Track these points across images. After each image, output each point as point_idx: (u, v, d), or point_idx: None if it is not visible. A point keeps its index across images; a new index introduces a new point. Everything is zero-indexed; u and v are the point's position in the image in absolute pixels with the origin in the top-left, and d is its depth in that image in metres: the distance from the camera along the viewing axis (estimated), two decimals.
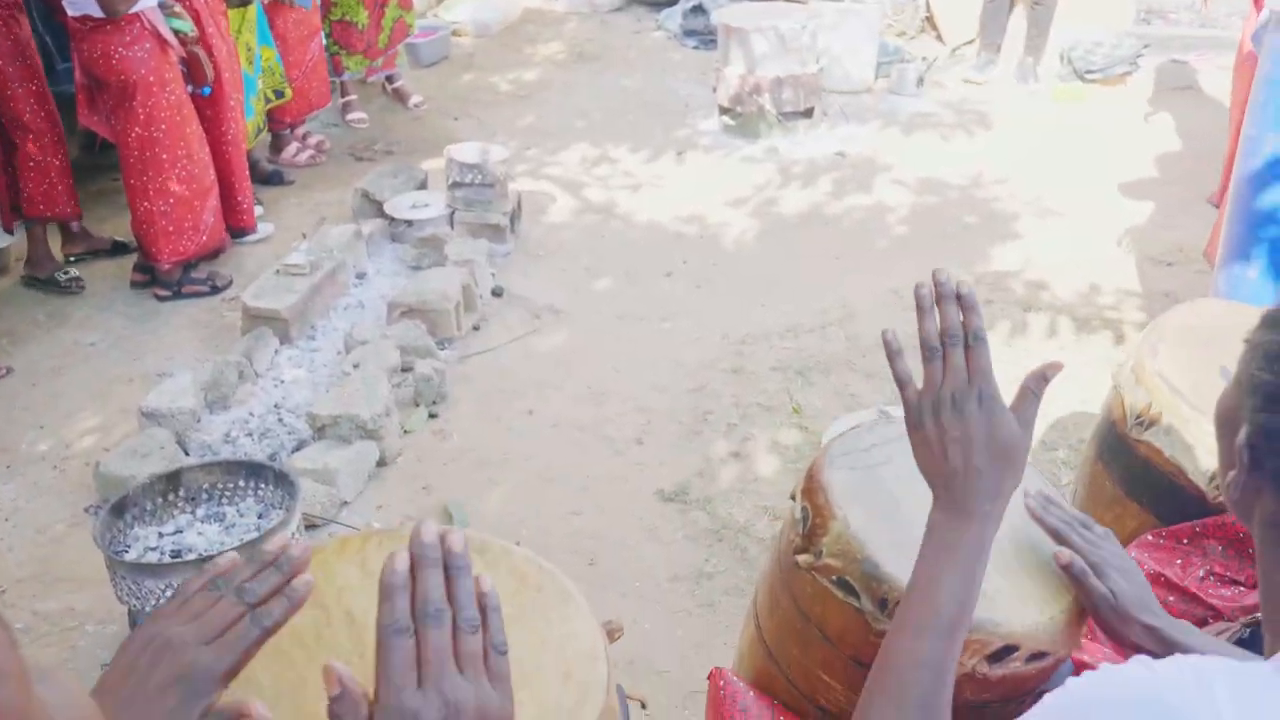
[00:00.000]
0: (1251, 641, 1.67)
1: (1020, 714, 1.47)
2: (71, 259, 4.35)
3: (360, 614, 1.19)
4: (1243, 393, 0.91)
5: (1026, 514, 1.45)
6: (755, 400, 3.58)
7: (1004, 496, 1.11)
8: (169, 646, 0.94)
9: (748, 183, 5.29)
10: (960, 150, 5.69)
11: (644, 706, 1.34)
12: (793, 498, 1.53)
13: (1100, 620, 1.34)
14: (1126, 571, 1.35)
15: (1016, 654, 1.33)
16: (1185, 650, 1.25)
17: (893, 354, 1.18)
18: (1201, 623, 1.74)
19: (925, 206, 5.09)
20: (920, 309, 1.15)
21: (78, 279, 4.20)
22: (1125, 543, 1.87)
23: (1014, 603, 1.34)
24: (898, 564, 1.32)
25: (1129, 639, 1.31)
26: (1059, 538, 1.38)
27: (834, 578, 1.39)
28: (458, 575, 0.86)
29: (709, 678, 1.63)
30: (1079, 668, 1.53)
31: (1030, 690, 1.44)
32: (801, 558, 1.43)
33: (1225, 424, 0.96)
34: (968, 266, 4.49)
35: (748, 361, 3.79)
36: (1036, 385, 1.16)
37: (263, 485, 2.72)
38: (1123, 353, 3.83)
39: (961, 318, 1.13)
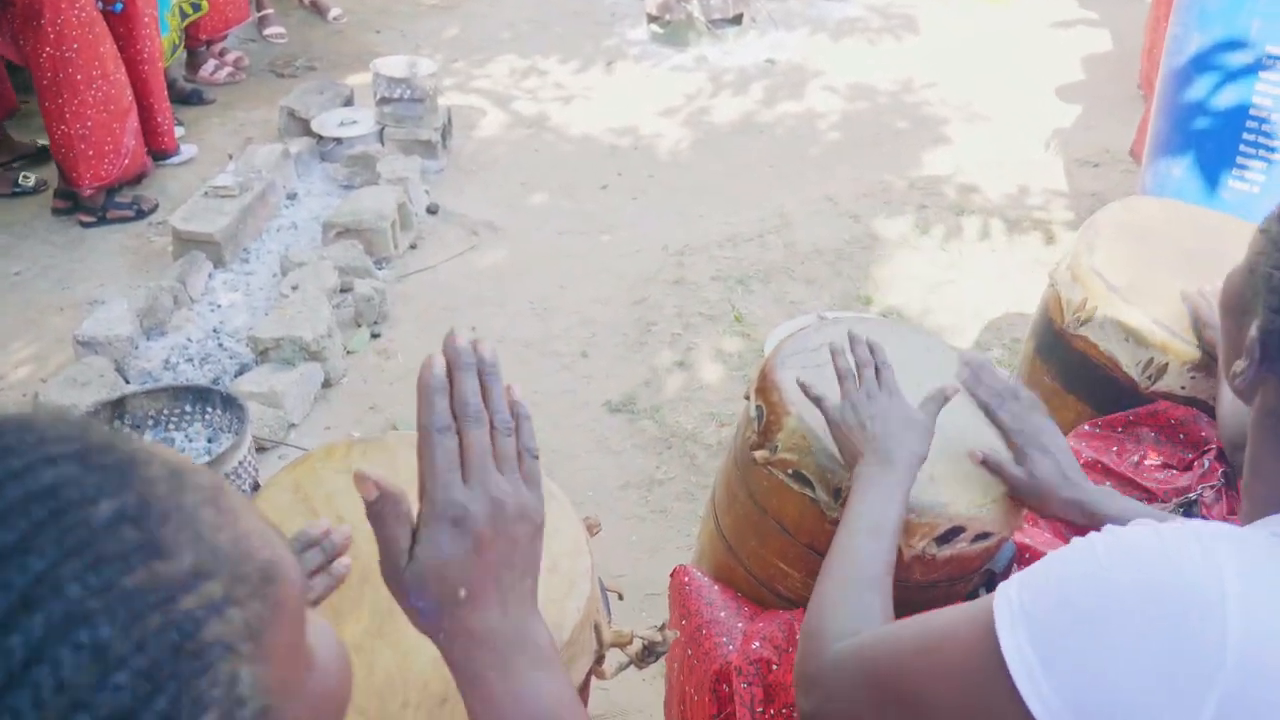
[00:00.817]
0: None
1: (966, 592, 1.54)
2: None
3: (349, 516, 1.21)
4: (1259, 285, 0.92)
5: (972, 412, 1.51)
6: (697, 310, 3.60)
7: (915, 454, 1.29)
8: None
9: (679, 92, 5.26)
10: (889, 55, 5.70)
11: (620, 597, 1.37)
12: (747, 397, 1.58)
13: (1023, 501, 1.44)
14: (1047, 447, 1.43)
15: (963, 535, 1.40)
16: (1108, 518, 1.33)
17: (807, 387, 1.40)
18: None
19: (856, 112, 5.11)
20: (835, 353, 1.41)
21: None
22: (1065, 432, 1.94)
23: (959, 487, 1.40)
24: None
25: (1052, 513, 1.42)
26: (988, 412, 1.50)
27: (789, 471, 1.45)
28: (491, 381, 0.86)
29: (671, 575, 1.68)
30: (1020, 549, 1.60)
31: (976, 569, 1.51)
32: (758, 454, 1.48)
33: (1233, 310, 0.98)
34: (900, 172, 4.53)
35: (688, 272, 3.81)
36: (937, 397, 1.38)
37: (210, 410, 2.70)
38: (1053, 253, 3.91)
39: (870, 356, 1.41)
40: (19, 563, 0.45)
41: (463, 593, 0.80)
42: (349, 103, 4.60)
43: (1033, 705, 0.83)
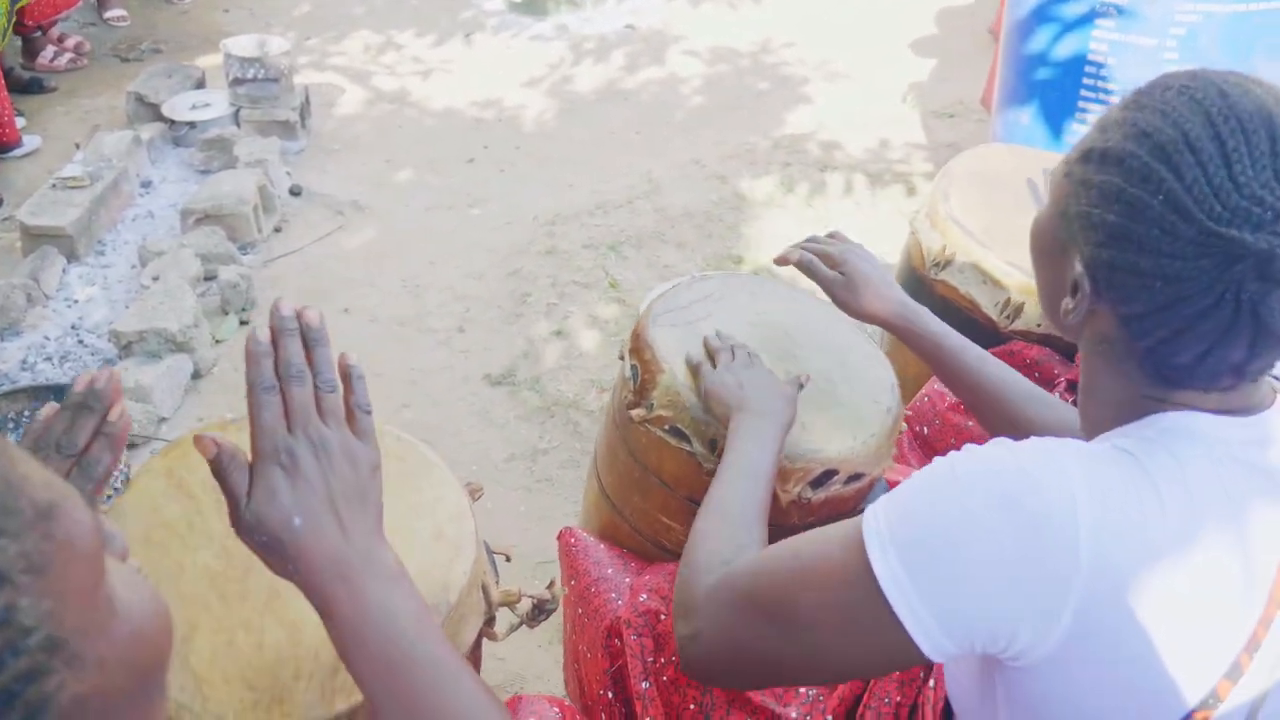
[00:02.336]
0: None
1: None
2: None
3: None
4: (1073, 227, 0.94)
5: (838, 361, 1.57)
6: (571, 279, 3.60)
7: (786, 413, 1.36)
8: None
9: (540, 62, 5.23)
10: (748, 17, 5.75)
11: (508, 559, 1.39)
12: (621, 357, 1.59)
13: (836, 299, 1.53)
14: (865, 258, 1.53)
15: (836, 477, 1.45)
16: (927, 331, 1.46)
17: (690, 362, 1.48)
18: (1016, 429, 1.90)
19: (718, 76, 5.15)
20: (706, 339, 1.51)
21: None
22: (925, 378, 2.01)
23: (830, 432, 1.45)
24: None
25: (874, 311, 1.49)
26: (805, 245, 1.60)
27: (666, 427, 1.48)
28: (315, 345, 0.93)
29: (559, 537, 1.69)
30: (891, 488, 1.66)
31: (851, 510, 1.56)
32: (634, 412, 1.51)
33: (1049, 252, 1.01)
34: (764, 132, 4.58)
35: (560, 241, 3.80)
36: (793, 383, 1.45)
37: None
38: (914, 204, 4.02)
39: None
40: None
41: (297, 521, 0.86)
42: (200, 85, 4.46)
43: (907, 623, 0.87)
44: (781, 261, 1.58)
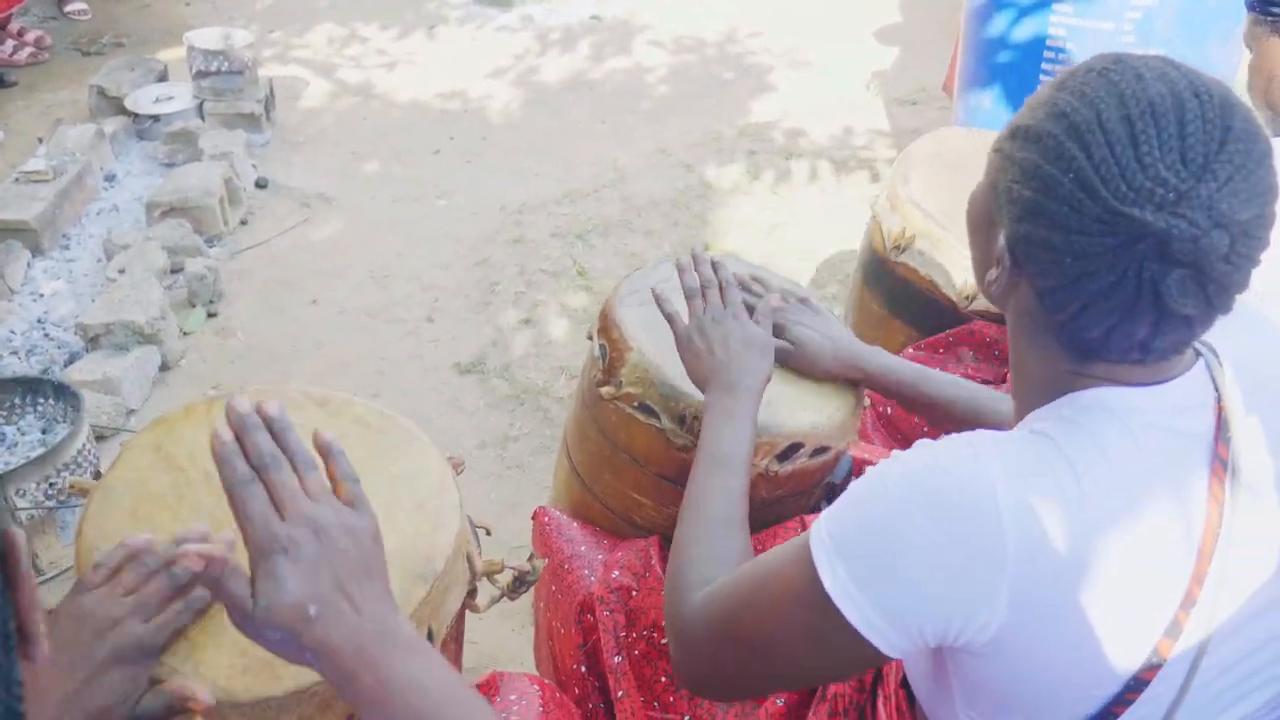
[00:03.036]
0: None
1: (810, 505, 1.62)
2: None
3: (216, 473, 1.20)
4: (1000, 200, 0.97)
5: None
6: (539, 267, 3.61)
7: (759, 375, 1.34)
8: (111, 620, 0.99)
9: (506, 53, 5.23)
10: (713, 7, 5.77)
11: (488, 533, 1.40)
12: (590, 337, 1.62)
13: (791, 366, 1.53)
14: (806, 324, 1.54)
15: (802, 450, 1.48)
16: (882, 373, 1.50)
17: (661, 300, 1.43)
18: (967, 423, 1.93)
19: (684, 65, 5.17)
20: (682, 271, 1.44)
21: None
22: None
23: (795, 406, 1.48)
24: (690, 383, 1.44)
25: (828, 372, 1.52)
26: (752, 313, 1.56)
27: (635, 404, 1.50)
28: (282, 432, 0.91)
29: (533, 516, 1.72)
30: (856, 463, 1.69)
31: (816, 483, 1.59)
32: (604, 390, 1.53)
33: (980, 225, 1.04)
34: (729, 120, 4.61)
35: (527, 230, 3.82)
36: (766, 312, 1.45)
37: (42, 400, 2.60)
38: (878, 190, 4.05)
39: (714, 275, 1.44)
40: None
41: (313, 610, 0.84)
42: (163, 78, 4.44)
43: (862, 629, 0.91)
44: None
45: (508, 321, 3.37)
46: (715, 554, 1.16)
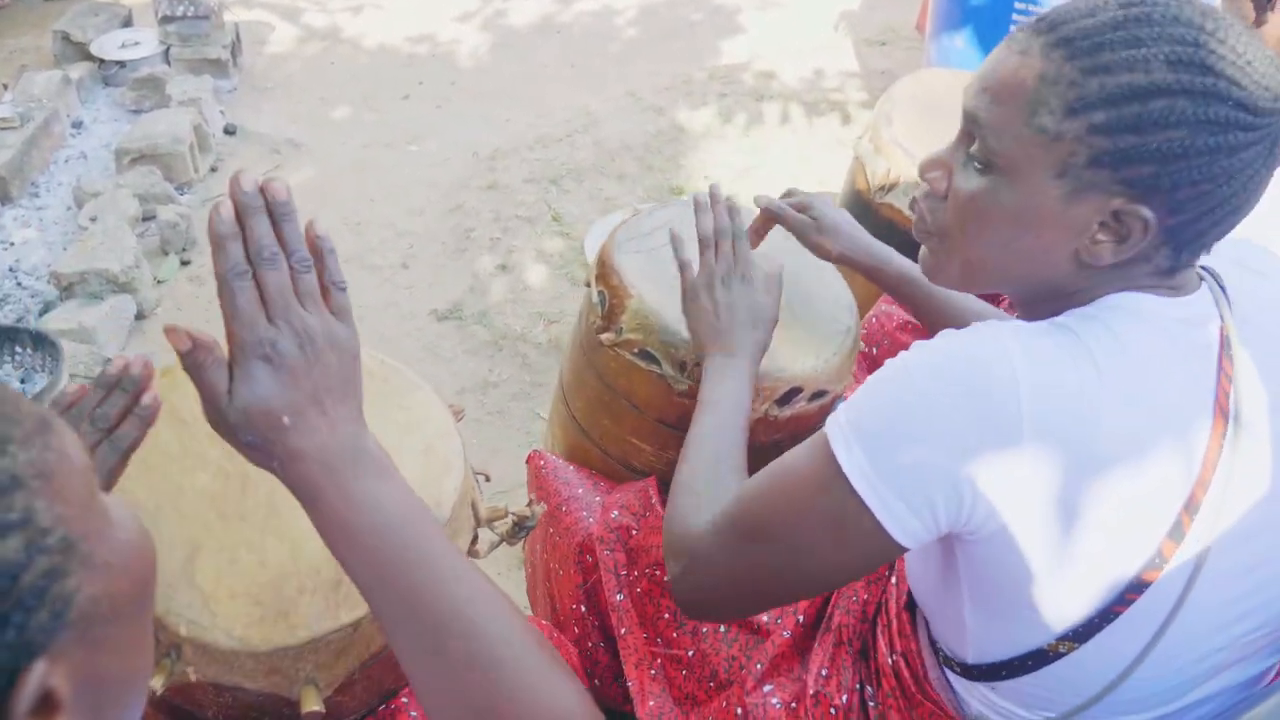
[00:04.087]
0: None
1: None
2: None
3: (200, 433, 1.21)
4: (1096, 173, 0.94)
5: (796, 281, 1.62)
6: (514, 213, 3.61)
7: (758, 346, 1.38)
8: None
9: None
10: None
11: (488, 479, 1.43)
12: (588, 284, 1.63)
13: (808, 242, 1.55)
14: (829, 204, 1.55)
15: (801, 395, 1.51)
16: (893, 266, 1.50)
17: (677, 245, 1.44)
18: None
19: (652, 7, 5.14)
20: (699, 210, 1.45)
21: None
22: (873, 300, 2.07)
23: (794, 352, 1.50)
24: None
25: (836, 252, 1.52)
26: (772, 206, 1.59)
27: (635, 350, 1.52)
28: (284, 220, 0.86)
29: (528, 460, 1.74)
30: None
31: (814, 426, 1.62)
32: (604, 336, 1.55)
33: (1040, 217, 0.99)
34: (699, 63, 4.60)
35: (501, 176, 3.81)
36: (776, 278, 1.45)
37: (20, 350, 2.59)
38: (850, 131, 4.07)
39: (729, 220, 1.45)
40: None
41: (286, 419, 0.82)
42: (128, 23, 4.36)
43: (877, 512, 0.93)
44: (758, 203, 1.59)
45: (484, 267, 3.37)
46: (718, 490, 1.17)
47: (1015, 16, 3.11)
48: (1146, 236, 0.92)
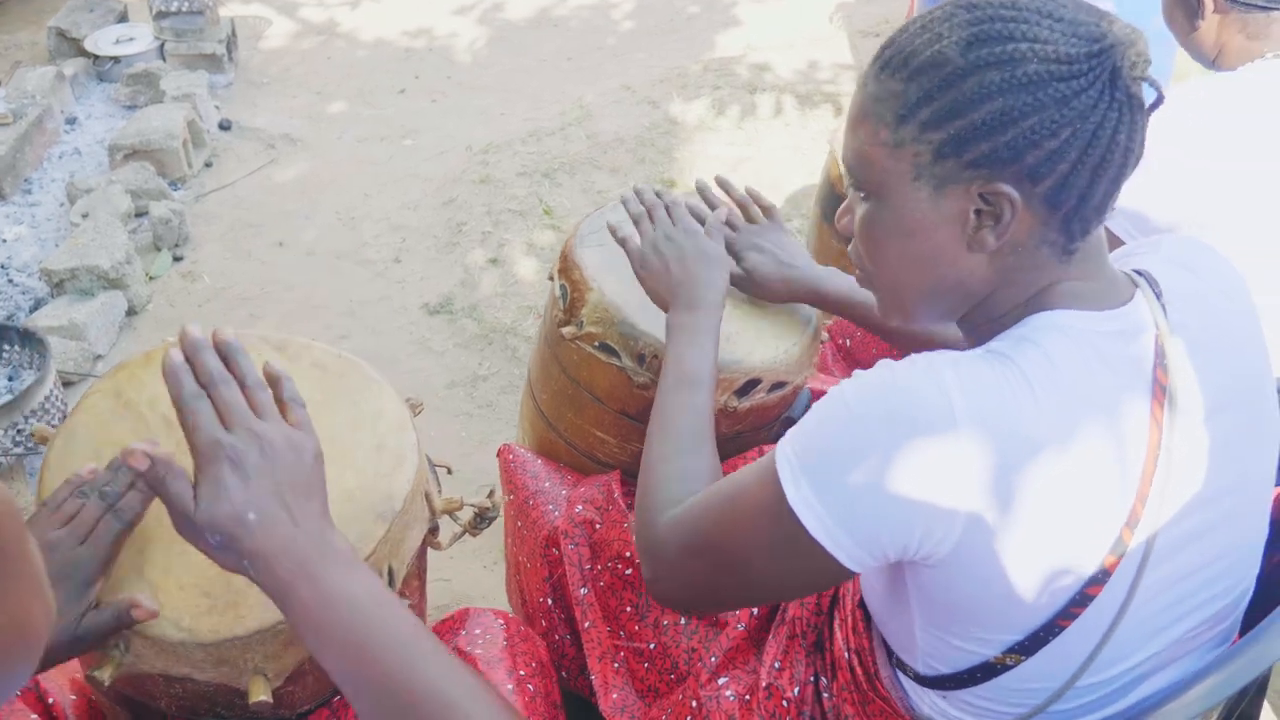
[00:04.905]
0: None
1: (769, 439, 1.66)
2: None
3: (175, 416, 1.22)
4: (945, 166, 0.96)
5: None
6: (506, 207, 3.62)
7: (718, 290, 1.37)
8: (50, 548, 1.02)
9: None
10: None
11: (449, 471, 1.43)
12: (551, 278, 1.64)
13: (752, 291, 1.55)
14: (760, 246, 1.54)
15: (760, 386, 1.51)
16: (837, 295, 1.51)
17: (614, 229, 1.48)
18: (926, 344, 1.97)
19: (648, 0, 5.13)
20: (626, 201, 1.50)
21: None
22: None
23: (753, 343, 1.51)
24: (649, 322, 1.47)
25: (781, 297, 1.54)
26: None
27: (596, 343, 1.53)
28: (234, 355, 0.93)
29: (498, 453, 1.75)
30: (815, 396, 1.73)
31: (775, 418, 1.62)
32: (565, 330, 1.55)
33: (919, 227, 1.02)
34: (694, 56, 4.60)
35: (494, 170, 3.81)
36: (717, 225, 1.46)
37: (8, 347, 2.61)
38: (840, 122, 4.06)
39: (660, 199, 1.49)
40: None
41: (251, 516, 0.87)
42: (122, 19, 4.38)
43: (826, 544, 0.94)
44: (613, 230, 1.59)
45: (475, 261, 3.38)
46: (684, 472, 1.18)
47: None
48: (1016, 211, 0.93)
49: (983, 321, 1.03)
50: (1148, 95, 0.93)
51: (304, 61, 4.56)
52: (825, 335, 1.74)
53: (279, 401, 0.94)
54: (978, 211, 0.95)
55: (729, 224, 1.55)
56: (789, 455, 0.96)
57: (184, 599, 1.07)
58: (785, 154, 3.90)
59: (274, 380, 0.95)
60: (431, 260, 3.41)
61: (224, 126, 3.98)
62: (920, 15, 0.97)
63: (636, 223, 1.46)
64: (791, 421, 1.66)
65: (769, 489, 0.97)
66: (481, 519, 1.36)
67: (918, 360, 0.95)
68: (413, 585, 1.27)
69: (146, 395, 1.24)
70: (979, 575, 0.94)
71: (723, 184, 1.63)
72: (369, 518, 1.15)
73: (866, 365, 1.97)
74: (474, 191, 3.70)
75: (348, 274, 3.36)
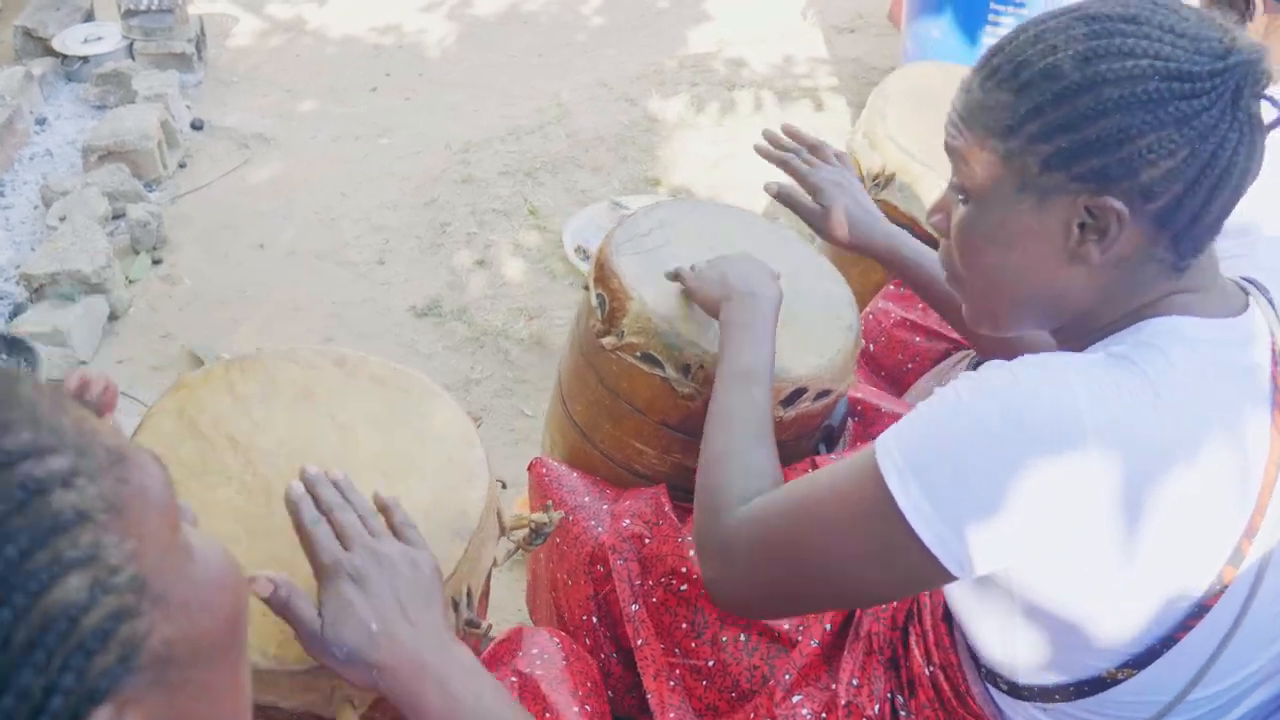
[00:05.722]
0: None
1: (810, 447, 1.66)
2: None
3: (241, 436, 1.20)
4: (1052, 177, 0.96)
5: (795, 280, 1.62)
6: (490, 206, 3.59)
7: (772, 299, 1.38)
8: None
9: None
10: None
11: (504, 486, 1.42)
12: (586, 288, 1.62)
13: (817, 230, 1.59)
14: (841, 184, 1.57)
15: (806, 395, 1.51)
16: (906, 255, 1.52)
17: (667, 271, 1.52)
18: (946, 354, 1.98)
19: None
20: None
21: None
22: (871, 295, 2.08)
23: (798, 352, 1.50)
24: (694, 332, 1.47)
25: (853, 242, 1.56)
26: (784, 166, 1.63)
27: (638, 353, 1.51)
28: (348, 491, 1.02)
29: (530, 468, 1.72)
30: (852, 403, 1.73)
31: (817, 426, 1.62)
32: (605, 340, 1.54)
33: (1019, 233, 1.02)
34: (668, 51, 4.58)
35: (475, 169, 3.78)
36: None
37: None
38: (825, 119, 4.07)
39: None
40: None
41: (374, 626, 0.91)
42: (89, 17, 4.27)
43: (934, 549, 0.91)
44: (769, 190, 1.62)
45: (462, 263, 3.35)
46: (749, 468, 1.17)
47: (994, 5, 3.12)
48: (1124, 226, 0.93)
49: (1084, 332, 1.02)
50: (1268, 113, 0.93)
51: (272, 59, 4.48)
52: (862, 340, 1.74)
53: (393, 528, 1.02)
54: (1081, 224, 0.94)
55: (804, 160, 1.58)
56: (894, 455, 0.94)
57: (269, 626, 1.05)
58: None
59: (385, 508, 1.03)
60: (416, 261, 3.37)
61: (196, 126, 3.90)
62: (1031, 23, 0.96)
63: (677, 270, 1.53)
64: (832, 430, 1.66)
65: (868, 489, 0.95)
66: (537, 535, 1.34)
67: (1038, 361, 0.93)
68: (482, 605, 1.25)
69: (208, 415, 1.21)
70: (1097, 588, 0.93)
71: (790, 131, 1.65)
72: (446, 536, 1.13)
73: (890, 368, 1.98)
74: (456, 191, 3.66)
75: (330, 275, 3.31)
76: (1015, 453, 0.89)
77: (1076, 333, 1.04)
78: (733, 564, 1.10)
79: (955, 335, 1.97)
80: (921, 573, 0.94)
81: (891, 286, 2.07)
